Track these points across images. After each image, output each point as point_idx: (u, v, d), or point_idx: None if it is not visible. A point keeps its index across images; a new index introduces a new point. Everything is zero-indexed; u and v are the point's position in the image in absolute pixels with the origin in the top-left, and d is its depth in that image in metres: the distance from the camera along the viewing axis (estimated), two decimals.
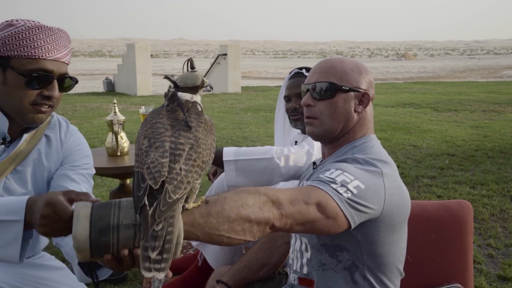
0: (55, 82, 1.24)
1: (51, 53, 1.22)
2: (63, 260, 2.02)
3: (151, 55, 12.59)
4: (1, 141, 1.28)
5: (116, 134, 2.63)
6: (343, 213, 0.99)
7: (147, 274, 0.72)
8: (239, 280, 1.56)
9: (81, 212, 0.78)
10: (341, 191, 0.99)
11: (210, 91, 0.94)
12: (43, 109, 1.24)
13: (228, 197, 0.88)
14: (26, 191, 1.33)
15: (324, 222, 0.97)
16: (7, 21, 1.23)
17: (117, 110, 2.66)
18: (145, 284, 2.27)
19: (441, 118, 7.81)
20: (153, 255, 0.71)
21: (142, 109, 2.59)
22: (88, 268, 1.03)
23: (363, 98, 1.23)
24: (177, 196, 0.75)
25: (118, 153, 2.65)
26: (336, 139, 1.25)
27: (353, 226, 1.02)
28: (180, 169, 0.78)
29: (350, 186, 1.01)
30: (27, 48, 1.19)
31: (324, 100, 1.21)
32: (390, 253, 1.17)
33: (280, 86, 1.91)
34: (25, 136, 1.31)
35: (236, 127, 6.87)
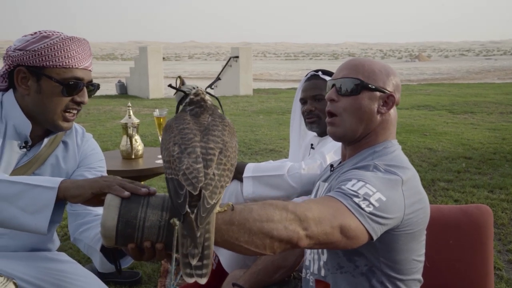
0: (85, 89, 1.34)
1: (82, 63, 1.32)
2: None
3: (163, 58, 12.67)
4: (23, 145, 1.35)
5: (130, 137, 2.64)
6: (365, 228, 0.98)
7: (189, 280, 0.74)
8: (255, 283, 1.56)
9: (112, 202, 0.81)
10: (363, 206, 0.98)
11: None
12: (71, 116, 1.34)
13: (254, 209, 0.86)
14: None
15: (346, 242, 0.96)
16: (39, 32, 1.30)
17: (131, 113, 2.67)
18: (159, 287, 2.27)
19: (457, 120, 7.69)
20: (194, 262, 0.74)
21: (156, 112, 2.60)
22: (112, 255, 1.10)
23: (388, 100, 1.21)
24: (213, 201, 0.77)
25: (133, 156, 2.66)
26: (357, 140, 1.23)
27: (375, 238, 1.01)
28: (213, 174, 0.79)
29: (372, 200, 0.99)
30: (62, 58, 1.28)
31: (349, 96, 1.20)
32: (409, 260, 1.14)
33: (292, 88, 1.93)
34: (46, 141, 1.38)
35: (248, 129, 6.86)
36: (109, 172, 2.75)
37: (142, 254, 0.84)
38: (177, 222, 0.77)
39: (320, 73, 1.82)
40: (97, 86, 1.40)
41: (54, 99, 1.29)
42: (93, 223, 1.33)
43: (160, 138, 2.60)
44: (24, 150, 1.35)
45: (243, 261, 1.88)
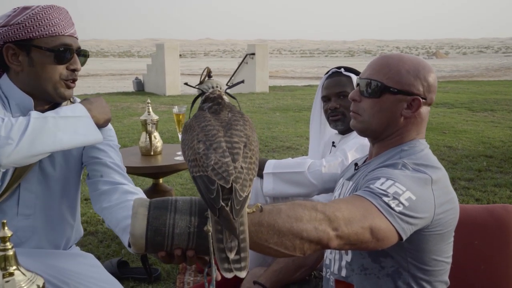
0: (76, 56, 1.35)
1: (67, 29, 1.33)
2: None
3: (179, 55, 12.74)
4: None
5: (149, 134, 2.66)
6: (395, 228, 0.96)
7: (228, 275, 0.73)
8: (276, 282, 1.55)
9: (139, 210, 0.80)
10: (393, 205, 0.96)
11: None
12: (71, 84, 1.36)
13: (283, 209, 0.85)
14: (56, 171, 1.41)
15: (376, 243, 0.95)
16: (17, 7, 1.32)
17: (150, 109, 2.69)
18: (178, 284, 2.28)
19: (477, 118, 7.54)
20: (232, 255, 0.73)
21: (176, 109, 2.60)
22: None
23: (413, 103, 1.16)
24: (245, 193, 0.76)
25: (152, 153, 2.68)
26: (381, 139, 1.20)
27: (404, 239, 0.99)
28: (241, 167, 0.79)
29: (402, 199, 0.97)
30: (47, 26, 1.29)
31: (370, 98, 1.17)
32: (437, 261, 1.12)
33: (308, 86, 1.91)
34: None
35: (265, 127, 6.84)
36: (128, 168, 2.76)
37: (172, 259, 0.83)
38: (210, 228, 0.76)
39: (342, 70, 1.80)
40: (87, 54, 1.42)
41: (47, 68, 1.31)
42: (113, 202, 1.33)
43: (179, 135, 2.61)
44: None
45: (263, 258, 1.87)
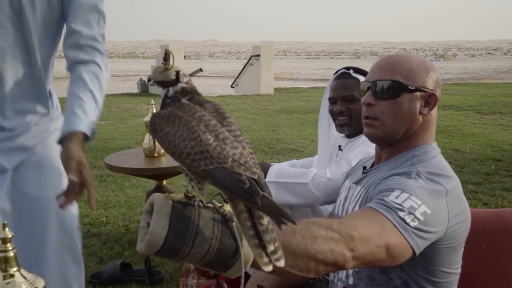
0: None
1: None
2: None
3: (184, 57, 12.73)
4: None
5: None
6: (410, 244, 0.93)
7: (268, 268, 0.68)
8: (280, 285, 1.52)
9: (163, 208, 0.72)
10: (408, 220, 0.93)
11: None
12: None
13: (297, 230, 0.81)
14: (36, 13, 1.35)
15: (391, 261, 0.92)
16: None
17: (154, 111, 2.68)
18: (181, 287, 2.26)
19: (485, 121, 7.47)
20: (272, 247, 0.68)
21: None
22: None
23: (430, 99, 1.13)
24: (264, 180, 0.73)
25: (155, 154, 2.66)
26: (396, 143, 1.16)
27: (417, 253, 0.96)
28: (249, 153, 0.75)
29: (417, 213, 0.94)
30: None
31: (387, 99, 1.12)
32: (446, 274, 1.09)
33: (313, 88, 1.87)
34: None
35: (270, 129, 6.82)
36: (131, 170, 2.74)
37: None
38: (234, 219, 0.72)
39: (351, 71, 1.72)
40: None
41: None
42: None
43: None
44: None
45: None
